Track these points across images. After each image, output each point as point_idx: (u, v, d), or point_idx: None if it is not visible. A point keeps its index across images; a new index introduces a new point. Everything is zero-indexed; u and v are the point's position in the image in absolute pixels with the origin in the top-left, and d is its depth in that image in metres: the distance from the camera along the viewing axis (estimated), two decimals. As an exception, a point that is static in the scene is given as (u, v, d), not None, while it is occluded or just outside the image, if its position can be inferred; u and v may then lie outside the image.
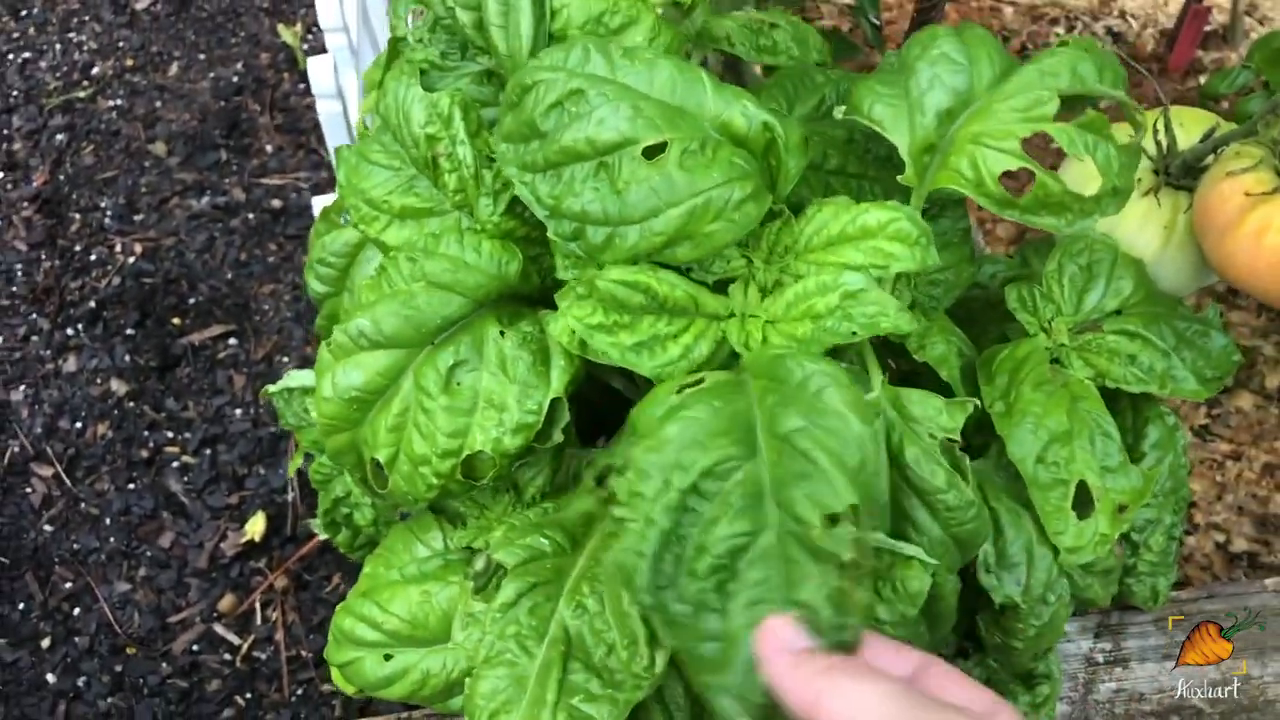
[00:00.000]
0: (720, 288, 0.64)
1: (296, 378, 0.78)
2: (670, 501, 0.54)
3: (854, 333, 0.58)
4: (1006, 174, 0.62)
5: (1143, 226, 0.79)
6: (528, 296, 0.66)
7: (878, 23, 1.42)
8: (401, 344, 0.62)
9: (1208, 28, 1.71)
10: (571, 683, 0.57)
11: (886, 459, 0.59)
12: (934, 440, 0.58)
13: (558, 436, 0.64)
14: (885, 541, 0.57)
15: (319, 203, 0.98)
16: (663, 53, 0.63)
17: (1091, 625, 0.81)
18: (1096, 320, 0.76)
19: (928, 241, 0.62)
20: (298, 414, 0.79)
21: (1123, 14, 1.75)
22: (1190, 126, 0.81)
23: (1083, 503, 0.68)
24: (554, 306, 0.63)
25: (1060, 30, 1.73)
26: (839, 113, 0.65)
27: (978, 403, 0.59)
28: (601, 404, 0.73)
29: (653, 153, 0.58)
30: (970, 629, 0.74)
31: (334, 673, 0.74)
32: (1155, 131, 0.80)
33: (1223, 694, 0.78)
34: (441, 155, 0.67)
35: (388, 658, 0.68)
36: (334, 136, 1.03)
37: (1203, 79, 1.65)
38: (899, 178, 0.63)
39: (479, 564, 0.63)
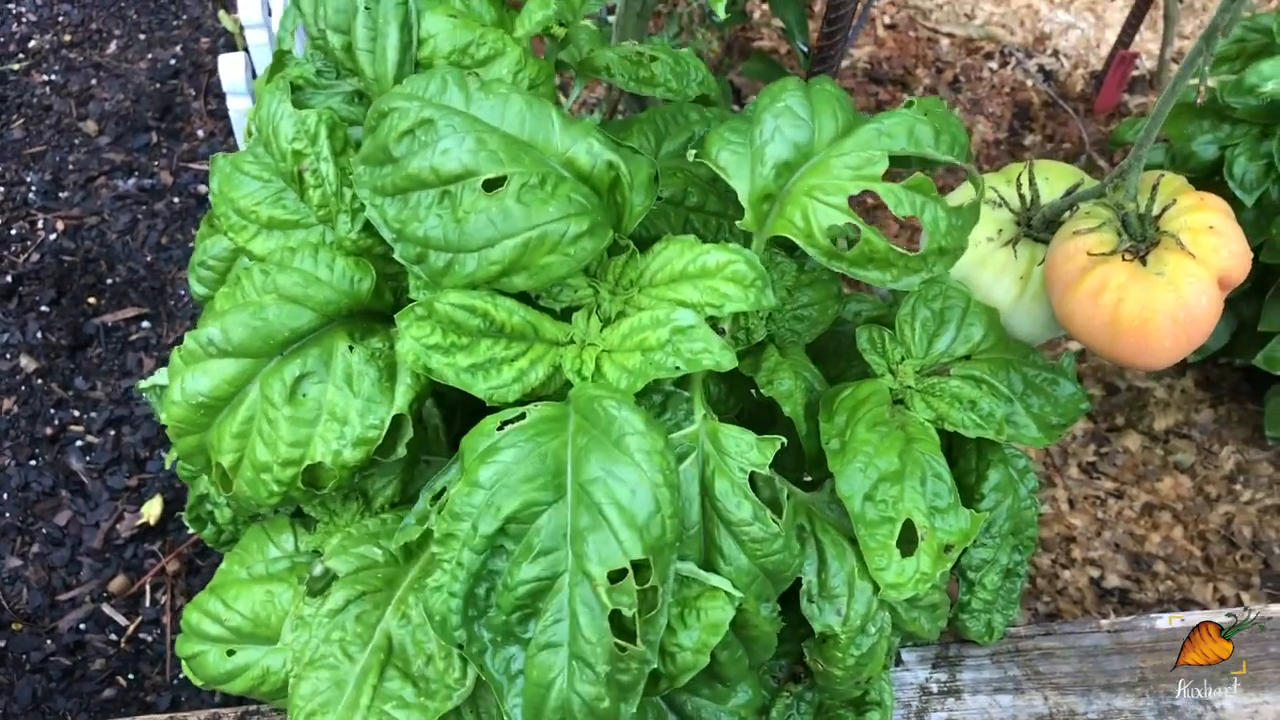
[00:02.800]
0: (566, 315, 0.67)
1: (165, 375, 0.79)
2: (477, 545, 0.57)
3: (677, 367, 0.61)
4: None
5: (1000, 276, 0.82)
6: (381, 313, 0.68)
7: (806, 48, 1.44)
8: (250, 354, 0.64)
9: (1135, 73, 1.75)
10: (387, 689, 0.60)
11: (699, 491, 0.61)
12: (744, 474, 0.60)
13: (401, 451, 0.66)
14: (692, 571, 0.60)
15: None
16: (524, 87, 0.66)
17: (930, 656, 0.84)
18: (945, 364, 0.79)
19: (764, 284, 0.64)
20: (168, 409, 0.81)
21: (1056, 53, 1.79)
22: (1055, 181, 0.84)
23: (910, 540, 0.71)
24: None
25: (994, 65, 1.76)
26: (691, 155, 0.68)
27: (784, 441, 0.62)
28: (480, 411, 0.75)
29: (494, 185, 0.60)
30: (802, 655, 0.77)
31: (184, 665, 0.75)
32: (1020, 184, 0.83)
33: (1047, 728, 0.81)
34: (307, 171, 0.69)
35: (230, 653, 0.70)
36: (243, 134, 1.04)
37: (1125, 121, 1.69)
38: (738, 223, 0.66)
39: (316, 569, 0.65)
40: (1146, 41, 1.80)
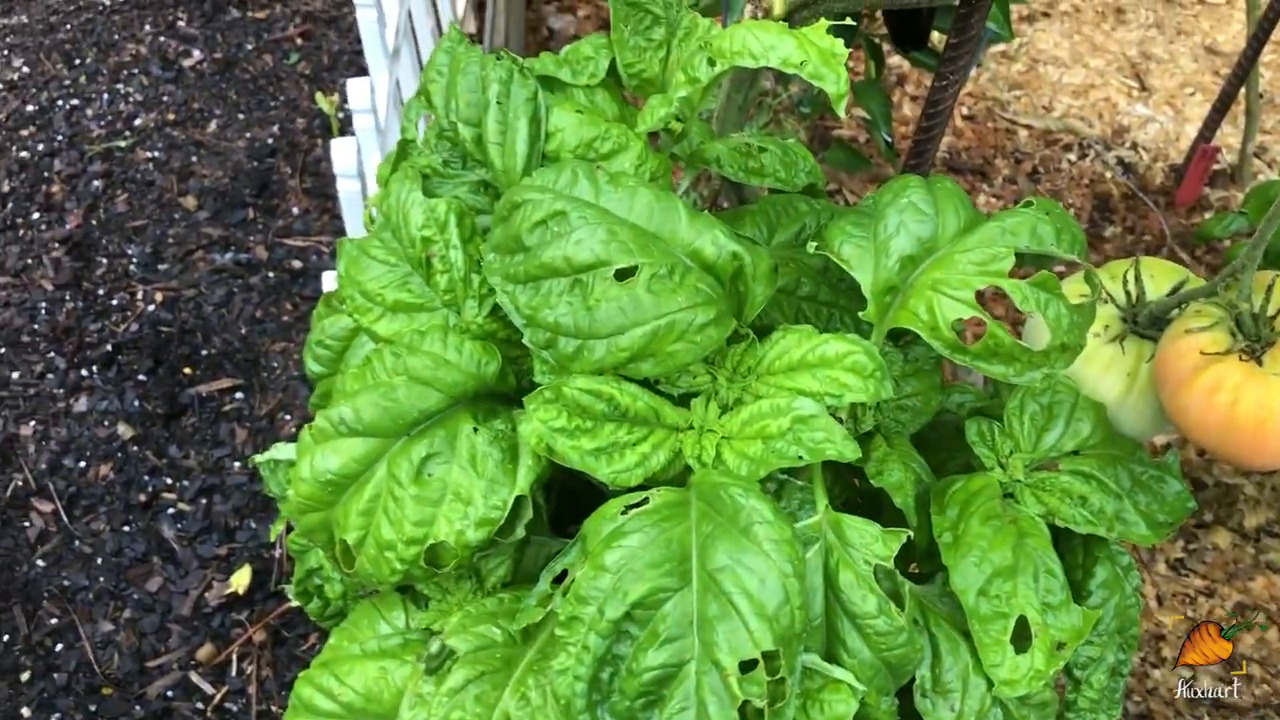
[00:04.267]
0: (684, 401, 0.68)
1: (283, 450, 0.81)
2: (603, 630, 0.58)
3: (800, 456, 0.61)
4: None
5: (1107, 371, 0.82)
6: (504, 395, 0.70)
7: (890, 139, 1.47)
8: (379, 433, 0.66)
9: (1217, 166, 1.75)
10: (507, 774, 0.60)
11: (822, 582, 0.62)
12: (869, 566, 0.61)
13: (520, 532, 0.67)
14: (815, 664, 0.60)
15: (329, 278, 1.03)
16: (646, 179, 0.68)
17: (1033, 755, 0.82)
18: (1053, 459, 0.79)
19: (882, 375, 0.65)
20: (281, 484, 0.83)
21: (1135, 145, 1.79)
22: (1160, 279, 0.84)
23: (1022, 636, 0.70)
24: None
25: (1073, 157, 1.77)
26: (812, 247, 0.69)
27: (910, 534, 0.62)
28: (580, 492, 0.76)
29: (625, 275, 0.62)
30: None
31: (290, 738, 0.76)
32: (1126, 281, 0.84)
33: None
34: (435, 257, 0.71)
35: (340, 729, 0.71)
36: (352, 216, 1.08)
37: (1208, 215, 1.69)
38: (860, 314, 0.67)
39: (433, 646, 0.66)
40: (1227, 136, 1.80)
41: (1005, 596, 0.69)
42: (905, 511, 0.73)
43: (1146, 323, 0.82)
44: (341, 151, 1.06)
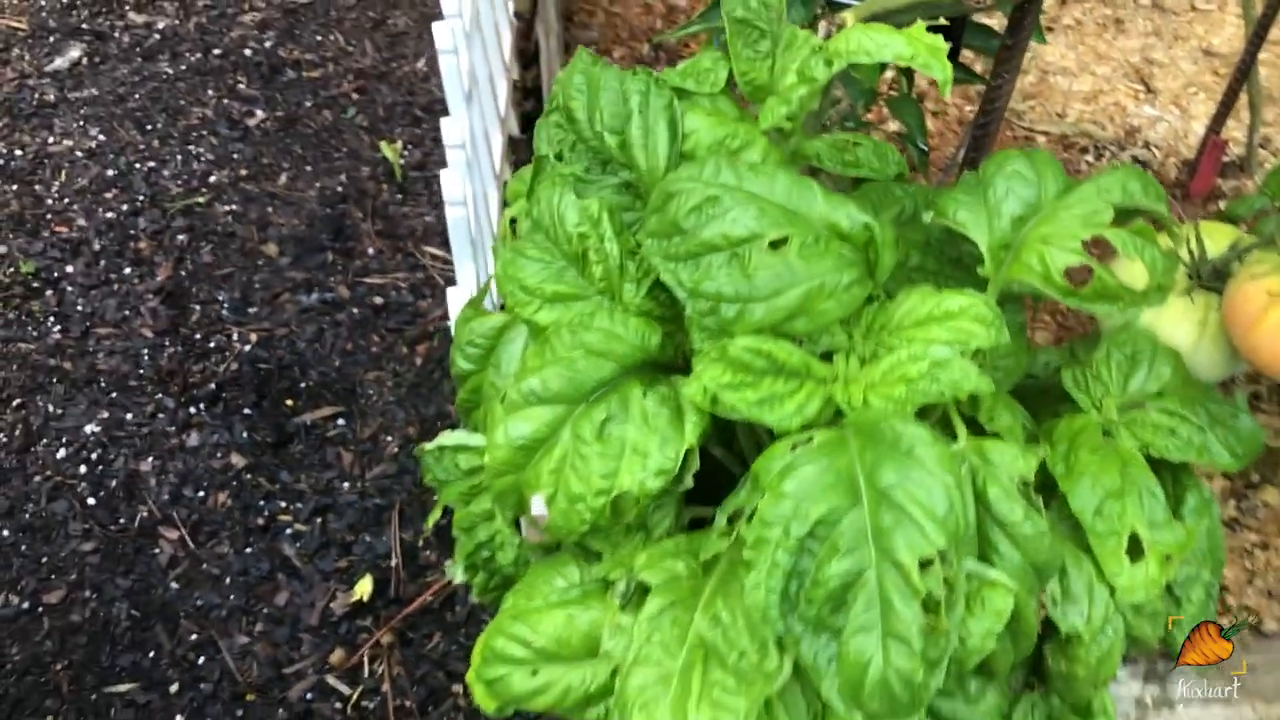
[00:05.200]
0: (825, 359, 0.77)
1: (451, 438, 0.90)
2: (790, 545, 0.66)
3: (942, 393, 0.71)
4: (1068, 271, 0.75)
5: (1179, 322, 0.91)
6: (664, 365, 0.79)
7: (925, 148, 1.57)
8: (563, 400, 0.75)
9: (1226, 158, 1.86)
10: (712, 679, 0.68)
11: (972, 498, 0.71)
12: (1012, 481, 0.70)
13: (689, 481, 0.76)
14: (975, 568, 0.69)
15: (452, 294, 1.12)
16: (776, 168, 0.78)
17: (1140, 672, 0.91)
18: (1140, 401, 0.88)
19: (1001, 324, 0.75)
20: (447, 469, 0.91)
21: (1147, 144, 1.91)
22: (1217, 239, 0.94)
23: (1133, 552, 0.79)
24: (685, 374, 0.76)
25: (1090, 159, 1.88)
26: (927, 217, 0.79)
27: (1045, 456, 0.71)
28: (715, 472, 0.85)
29: (775, 246, 0.72)
30: (1036, 665, 0.85)
31: (478, 690, 0.84)
32: (1188, 243, 0.93)
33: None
34: (591, 249, 0.81)
35: (534, 673, 0.79)
36: (458, 237, 1.17)
37: (1222, 204, 1.79)
38: (979, 269, 0.76)
39: (622, 587, 0.75)
40: (1231, 130, 1.91)
41: (1117, 515, 0.79)
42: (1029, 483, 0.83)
43: (1210, 277, 0.92)
44: (450, 181, 1.16)
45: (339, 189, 1.77)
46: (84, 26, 2.06)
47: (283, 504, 1.38)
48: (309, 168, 1.80)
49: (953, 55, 1.33)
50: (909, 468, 0.66)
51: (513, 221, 0.91)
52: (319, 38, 2.04)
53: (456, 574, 0.94)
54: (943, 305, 0.75)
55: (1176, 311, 0.91)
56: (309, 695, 1.22)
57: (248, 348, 1.54)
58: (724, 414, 0.73)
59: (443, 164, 1.80)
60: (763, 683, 0.67)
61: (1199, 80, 2.00)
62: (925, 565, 0.64)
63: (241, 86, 1.94)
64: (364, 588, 1.29)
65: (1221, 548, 0.91)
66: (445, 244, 1.70)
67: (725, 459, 0.86)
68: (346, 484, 1.39)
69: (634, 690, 0.69)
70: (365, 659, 1.25)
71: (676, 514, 0.81)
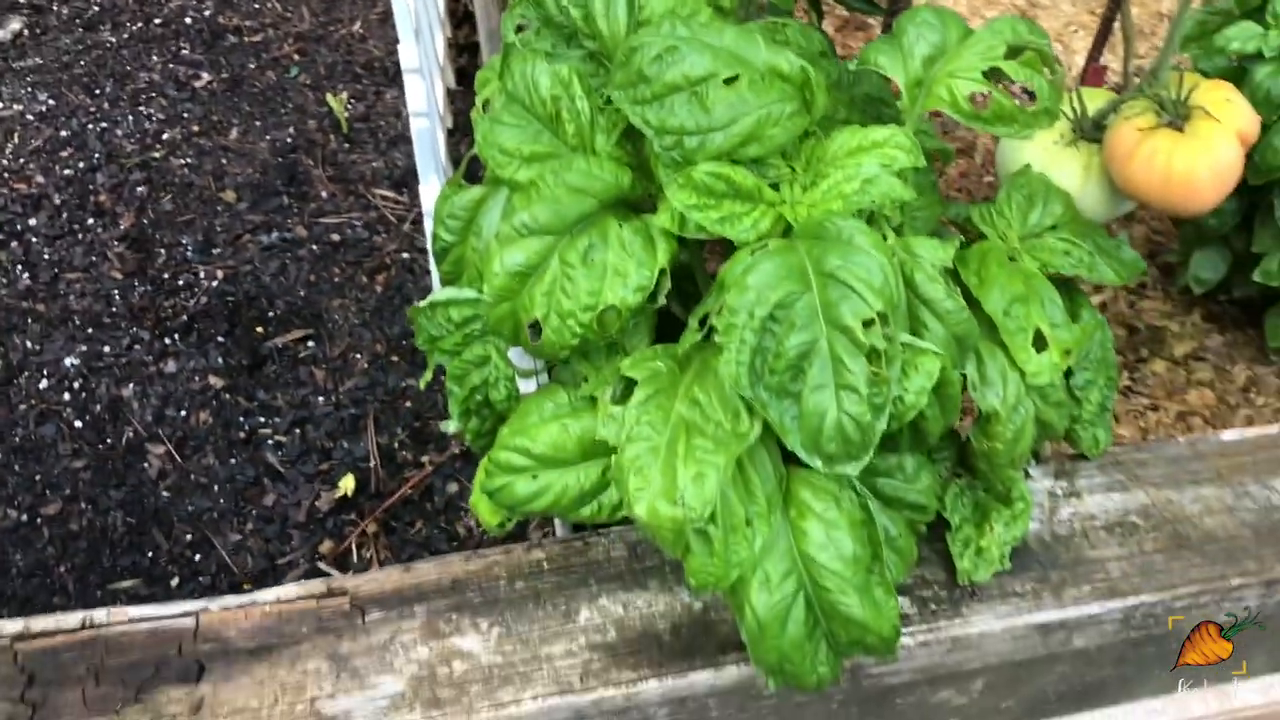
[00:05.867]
0: (774, 188, 0.90)
1: (441, 294, 1.01)
2: (755, 326, 0.79)
3: (873, 201, 0.84)
4: (971, 100, 0.89)
5: (1067, 168, 1.06)
6: (634, 204, 0.91)
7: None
8: (551, 231, 0.86)
9: (1105, 85, 2.04)
10: (694, 444, 0.80)
11: (902, 282, 0.84)
12: (934, 267, 0.83)
13: (662, 300, 0.88)
14: (908, 339, 0.82)
15: (423, 189, 1.22)
16: (724, 24, 0.90)
17: (1052, 470, 1.05)
18: (1038, 232, 1.02)
19: (919, 150, 0.88)
20: (438, 325, 1.02)
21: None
22: (1096, 99, 1.09)
23: (1038, 346, 0.93)
24: (653, 212, 0.89)
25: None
26: (854, 64, 0.92)
27: (960, 241, 0.84)
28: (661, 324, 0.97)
29: (728, 84, 0.84)
30: (961, 457, 0.98)
31: (481, 508, 0.95)
32: (1070, 102, 1.08)
33: (1154, 512, 1.02)
34: (564, 109, 0.92)
35: (534, 478, 0.90)
36: (422, 149, 1.28)
37: (1106, 124, 1.96)
38: (898, 103, 0.90)
39: (611, 390, 0.87)
40: (1110, 62, 2.10)
41: (1024, 315, 0.92)
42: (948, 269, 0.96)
43: (1091, 129, 1.07)
44: (413, 91, 1.26)
45: (289, 140, 1.85)
46: (20, 1, 2.11)
47: (262, 419, 1.46)
48: (258, 123, 1.89)
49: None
50: (850, 253, 0.79)
51: (485, 105, 1.02)
52: (256, 5, 2.13)
53: (451, 425, 1.05)
54: (870, 137, 0.88)
55: (1064, 160, 1.06)
56: (303, 580, 1.31)
57: (214, 284, 1.62)
58: (691, 234, 0.85)
59: (386, 115, 1.90)
60: (736, 442, 0.80)
61: (1078, 19, 2.19)
62: (868, 326, 0.77)
63: (185, 52, 2.02)
64: (347, 484, 1.39)
65: (1113, 365, 1.06)
66: (395, 186, 1.80)
67: (683, 315, 0.98)
68: (321, 398, 1.49)
69: (629, 460, 0.81)
70: (354, 546, 1.35)
71: (650, 337, 0.93)
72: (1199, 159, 0.96)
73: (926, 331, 0.83)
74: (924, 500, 0.91)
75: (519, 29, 1.02)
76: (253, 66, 2.00)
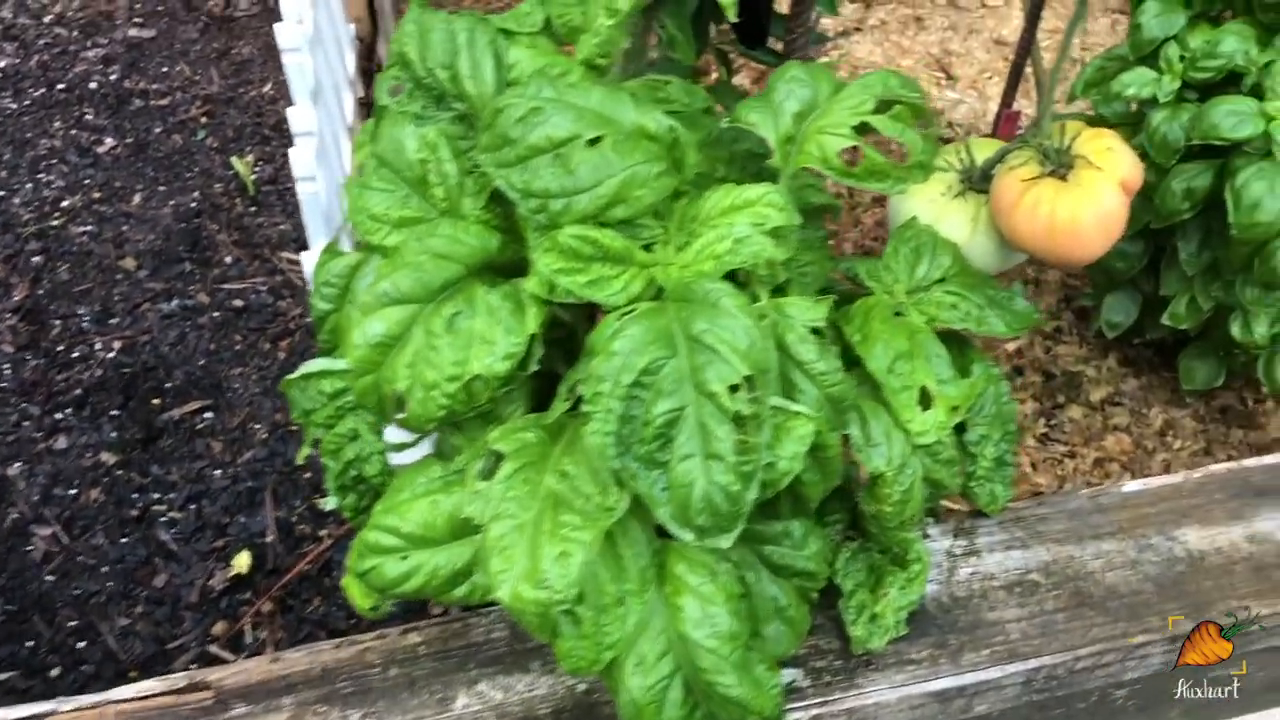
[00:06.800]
0: (647, 249, 0.87)
1: (314, 365, 0.97)
2: (621, 394, 0.76)
3: (744, 262, 0.82)
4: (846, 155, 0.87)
5: (955, 220, 1.05)
6: (504, 268, 0.88)
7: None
8: (414, 299, 0.83)
9: (1020, 129, 2.05)
10: (561, 520, 0.77)
11: (774, 345, 0.81)
12: (806, 328, 0.81)
13: (534, 365, 0.85)
14: (780, 402, 0.79)
15: (305, 257, 1.18)
16: (591, 84, 0.88)
17: (951, 529, 1.02)
18: (926, 286, 1.01)
19: (793, 209, 0.86)
20: (311, 397, 0.98)
21: (950, 124, 2.09)
22: (985, 149, 1.08)
23: (924, 404, 0.91)
24: (524, 275, 0.86)
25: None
26: (724, 122, 0.90)
27: (834, 298, 0.82)
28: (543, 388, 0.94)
29: (593, 144, 0.82)
30: (854, 520, 0.96)
31: (353, 591, 0.91)
32: (959, 154, 1.07)
33: (1055, 569, 1.00)
34: (431, 173, 0.90)
35: (404, 558, 0.86)
36: (311, 213, 1.24)
37: (1020, 170, 1.97)
38: (767, 162, 0.88)
39: (479, 465, 0.83)
40: (1025, 109, 2.12)
41: (908, 373, 0.90)
42: (822, 330, 0.94)
43: (979, 179, 1.06)
44: (299, 156, 1.23)
45: (193, 205, 1.81)
46: (-79, 69, 2.06)
47: (156, 495, 1.41)
48: (162, 188, 1.85)
49: (762, 39, 1.47)
50: (716, 316, 0.76)
51: (360, 169, 0.99)
52: (164, 69, 2.09)
53: (330, 502, 1.00)
54: (742, 195, 0.86)
55: (952, 211, 1.04)
56: (193, 665, 1.25)
57: (111, 355, 1.57)
58: (560, 299, 0.82)
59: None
60: (604, 516, 0.76)
61: (992, 66, 2.20)
62: (734, 391, 0.74)
63: (89, 117, 1.98)
64: (242, 562, 1.34)
65: (1011, 418, 1.04)
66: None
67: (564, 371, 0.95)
68: (218, 471, 1.44)
69: (493, 539, 0.77)
70: (248, 627, 1.29)
71: (527, 405, 0.89)
72: (1082, 208, 0.95)
73: (800, 394, 0.81)
74: (813, 567, 0.88)
75: (393, 91, 0.99)
76: (159, 130, 1.96)
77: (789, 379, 0.81)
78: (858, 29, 2.28)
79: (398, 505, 0.88)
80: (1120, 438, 1.54)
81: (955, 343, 1.01)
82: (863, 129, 0.87)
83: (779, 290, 0.97)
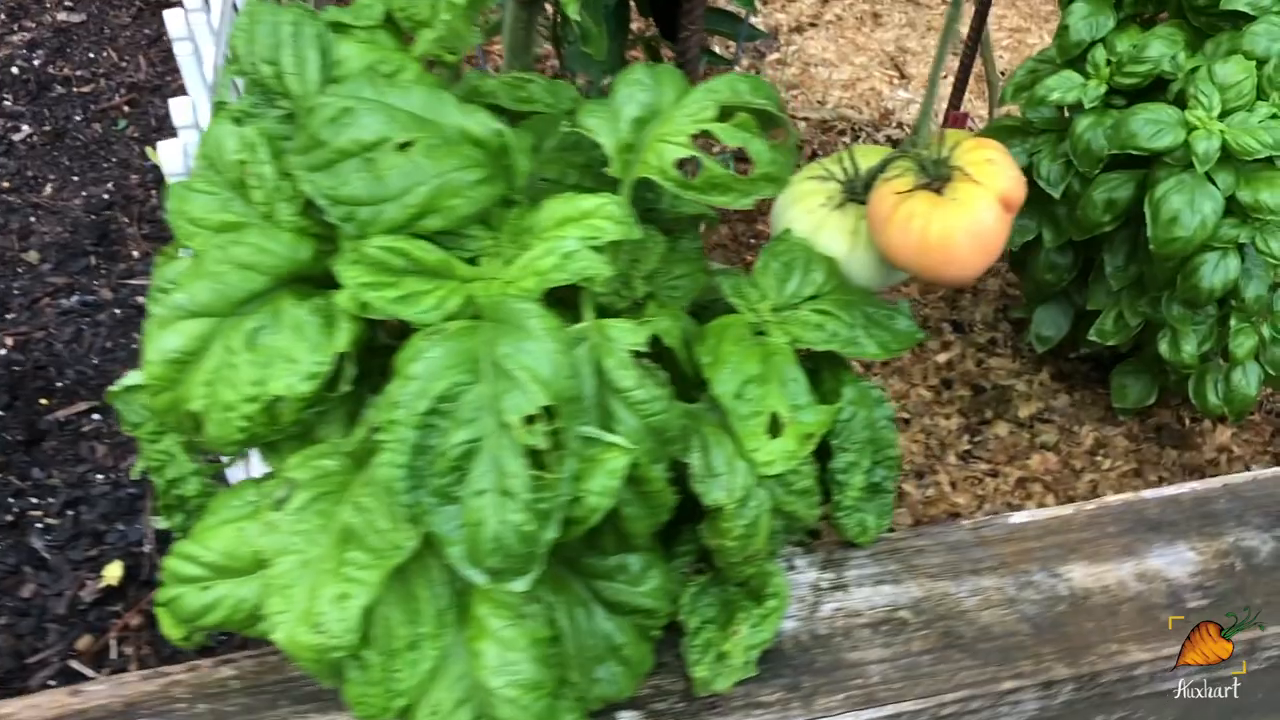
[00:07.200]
0: (475, 263, 0.81)
1: (134, 376, 0.91)
2: (415, 421, 0.70)
3: (567, 279, 0.75)
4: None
5: (834, 233, 0.98)
6: (318, 279, 0.82)
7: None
8: (213, 313, 0.77)
9: (971, 130, 1.98)
10: (348, 558, 0.71)
11: (593, 371, 0.75)
12: (627, 353, 0.75)
13: (345, 387, 0.79)
14: (593, 432, 0.73)
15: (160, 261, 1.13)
16: (414, 83, 0.82)
17: (818, 560, 0.96)
18: (796, 304, 0.94)
19: (632, 220, 0.80)
20: (136, 410, 0.93)
21: (900, 125, 2.02)
22: (871, 157, 1.02)
23: (778, 432, 0.85)
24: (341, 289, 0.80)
25: (847, 140, 1.99)
26: (565, 126, 0.84)
27: (659, 329, 0.76)
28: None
29: (405, 148, 0.76)
30: (707, 552, 0.89)
31: (164, 618, 0.85)
32: (842, 161, 1.01)
33: (926, 606, 0.94)
34: (250, 176, 0.84)
35: (205, 589, 0.81)
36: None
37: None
38: (605, 170, 0.82)
39: (279, 491, 0.77)
40: (979, 109, 2.05)
41: (758, 398, 0.84)
42: (674, 349, 0.88)
43: (862, 190, 0.99)
44: (168, 153, 1.17)
45: (106, 196, 1.76)
46: None
47: (34, 499, 1.36)
48: (76, 178, 1.79)
49: (671, 31, 1.40)
50: (521, 340, 0.70)
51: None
52: (91, 54, 2.03)
53: (160, 521, 0.95)
54: (578, 206, 0.80)
55: (832, 224, 0.98)
56: (51, 682, 1.20)
57: (3, 352, 1.52)
58: (371, 315, 0.76)
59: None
60: (394, 555, 0.70)
61: (949, 65, 2.13)
62: (530, 422, 0.68)
63: (7, 103, 1.92)
64: (114, 572, 1.28)
65: (891, 444, 0.98)
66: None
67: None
68: (100, 476, 1.38)
69: (275, 576, 0.71)
70: (113, 642, 1.24)
71: (345, 429, 0.83)
72: (955, 224, 0.88)
73: (617, 423, 0.74)
74: (651, 604, 0.82)
75: (236, 88, 0.93)
76: (79, 119, 1.90)
77: (607, 407, 0.75)
78: (813, 24, 2.22)
79: (205, 531, 0.82)
80: (1046, 456, 1.48)
81: (828, 364, 0.95)
82: (705, 138, 0.81)
83: (638, 307, 0.91)
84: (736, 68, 2.15)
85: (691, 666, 0.85)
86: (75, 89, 1.95)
